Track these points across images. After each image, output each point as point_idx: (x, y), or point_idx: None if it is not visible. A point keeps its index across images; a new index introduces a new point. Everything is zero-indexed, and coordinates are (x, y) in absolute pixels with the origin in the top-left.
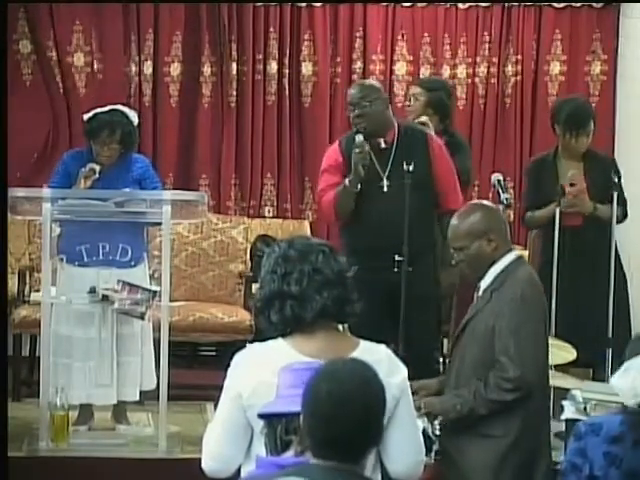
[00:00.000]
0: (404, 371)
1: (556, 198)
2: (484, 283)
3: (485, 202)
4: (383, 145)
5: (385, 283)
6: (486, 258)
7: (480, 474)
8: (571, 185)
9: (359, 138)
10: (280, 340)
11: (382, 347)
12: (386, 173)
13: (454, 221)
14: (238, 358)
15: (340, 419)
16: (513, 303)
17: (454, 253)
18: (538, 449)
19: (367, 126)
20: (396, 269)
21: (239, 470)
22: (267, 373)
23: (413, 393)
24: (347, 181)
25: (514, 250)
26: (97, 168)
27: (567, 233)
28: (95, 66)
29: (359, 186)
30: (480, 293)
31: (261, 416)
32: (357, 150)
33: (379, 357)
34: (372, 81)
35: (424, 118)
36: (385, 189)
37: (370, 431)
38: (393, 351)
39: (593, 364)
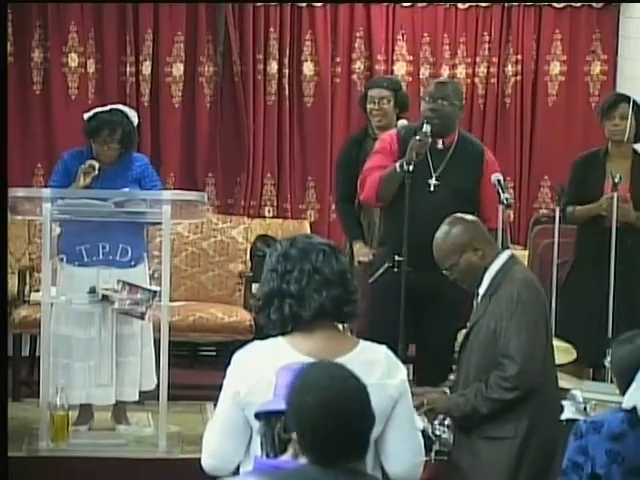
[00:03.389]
0: (403, 372)
1: (599, 196)
2: (482, 289)
3: (459, 214)
4: (440, 146)
5: (413, 281)
6: (477, 268)
7: (495, 477)
8: (615, 184)
9: (427, 128)
10: (279, 338)
11: (382, 347)
12: (437, 173)
13: (436, 243)
14: (237, 356)
15: (333, 428)
16: (511, 304)
17: (447, 273)
18: (552, 446)
19: (438, 123)
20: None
21: (238, 468)
22: (265, 371)
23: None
24: (398, 165)
25: (504, 251)
26: (96, 165)
27: (606, 235)
28: (93, 67)
29: (409, 175)
30: (479, 299)
31: (258, 415)
32: (418, 137)
33: (378, 357)
34: (456, 83)
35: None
36: (432, 188)
37: (367, 426)
38: (394, 351)
39: (593, 364)
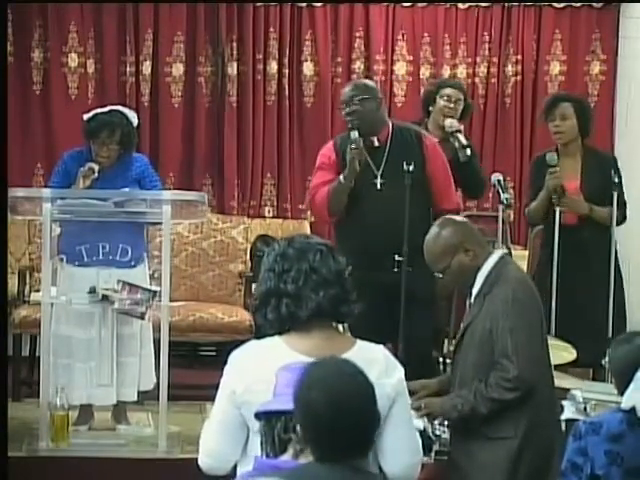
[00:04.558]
0: (401, 371)
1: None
2: (475, 289)
3: (448, 216)
4: (376, 143)
5: (380, 283)
6: (469, 269)
7: (494, 477)
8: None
9: (354, 134)
10: (276, 338)
11: (379, 347)
12: (380, 171)
13: (427, 246)
14: (234, 355)
15: (346, 423)
16: (506, 304)
17: (439, 275)
18: (550, 445)
19: (359, 124)
20: (396, 269)
21: (235, 467)
22: (262, 370)
23: (413, 393)
24: (342, 177)
25: (495, 251)
26: (96, 167)
27: (563, 231)
28: (92, 67)
29: (353, 182)
30: (472, 300)
31: (258, 415)
32: (353, 146)
33: (375, 356)
34: (366, 80)
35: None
36: (379, 187)
37: (372, 422)
38: (391, 352)
39: (593, 364)
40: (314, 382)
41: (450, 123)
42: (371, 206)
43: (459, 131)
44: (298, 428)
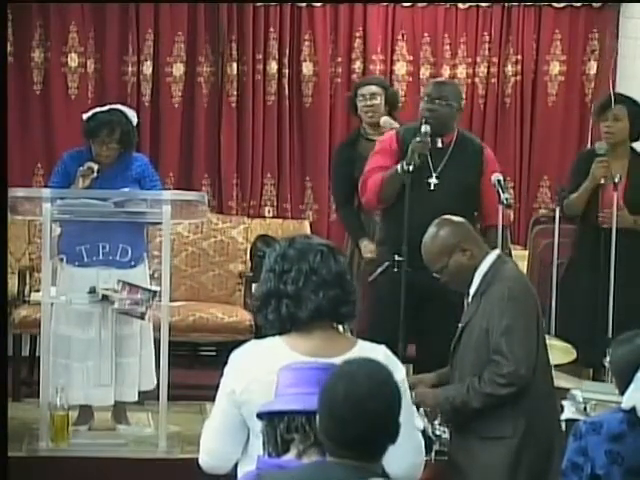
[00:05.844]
0: (402, 371)
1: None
2: (472, 289)
3: (446, 216)
4: (440, 145)
5: (415, 281)
6: (467, 268)
7: (494, 476)
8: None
9: (426, 128)
10: (276, 338)
11: (381, 347)
12: (437, 172)
13: (425, 246)
14: (233, 355)
15: (358, 421)
16: (502, 302)
17: (437, 275)
18: (549, 444)
19: (433, 122)
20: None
21: (236, 467)
22: (261, 370)
23: (410, 387)
24: (399, 167)
25: (492, 250)
26: (95, 167)
27: (603, 234)
28: (92, 66)
29: (409, 175)
30: (470, 299)
31: (260, 416)
32: (418, 139)
33: (377, 356)
34: (455, 83)
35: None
36: (432, 187)
37: (387, 431)
38: (394, 349)
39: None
40: (342, 374)
41: (383, 122)
42: (419, 204)
43: (395, 127)
44: (296, 435)
